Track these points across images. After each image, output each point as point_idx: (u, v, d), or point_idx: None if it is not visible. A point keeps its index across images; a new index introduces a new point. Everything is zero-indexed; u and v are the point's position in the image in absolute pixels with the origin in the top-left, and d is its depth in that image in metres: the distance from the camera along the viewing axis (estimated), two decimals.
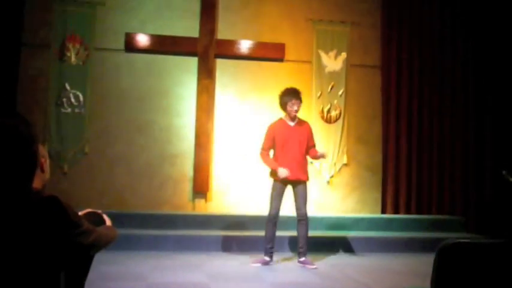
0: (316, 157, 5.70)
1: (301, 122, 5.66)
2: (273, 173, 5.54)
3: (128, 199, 7.43)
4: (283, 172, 5.36)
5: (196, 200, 7.65)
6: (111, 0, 7.64)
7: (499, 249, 2.99)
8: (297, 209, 5.53)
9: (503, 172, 7.26)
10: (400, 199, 7.95)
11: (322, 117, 7.92)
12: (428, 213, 7.88)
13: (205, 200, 7.66)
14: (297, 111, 5.56)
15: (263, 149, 5.63)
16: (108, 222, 2.59)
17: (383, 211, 7.96)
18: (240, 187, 7.75)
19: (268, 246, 5.53)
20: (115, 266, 5.08)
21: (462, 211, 7.85)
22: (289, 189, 5.58)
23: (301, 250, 5.54)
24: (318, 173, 7.87)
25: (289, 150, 5.49)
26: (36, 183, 2.27)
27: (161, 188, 7.58)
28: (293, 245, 6.24)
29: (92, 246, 2.34)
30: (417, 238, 6.78)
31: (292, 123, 5.60)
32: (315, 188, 7.79)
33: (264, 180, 7.72)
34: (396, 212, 7.91)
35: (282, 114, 5.74)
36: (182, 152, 7.67)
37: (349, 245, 6.40)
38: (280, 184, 5.49)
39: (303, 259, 5.51)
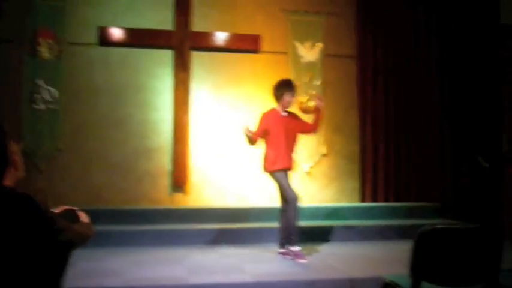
0: (318, 113, 5.68)
1: (289, 113, 5.72)
2: (271, 166, 5.48)
3: (105, 195, 7.34)
4: (247, 129, 5.34)
5: (175, 194, 7.61)
6: None
7: (473, 234, 3.04)
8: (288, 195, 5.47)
9: (479, 158, 7.39)
10: (379, 188, 8.02)
11: (301, 108, 7.90)
12: (407, 201, 7.96)
13: (184, 194, 7.62)
14: (291, 102, 5.64)
15: (254, 134, 5.51)
16: (85, 219, 2.55)
17: (362, 200, 8.02)
18: (219, 180, 7.74)
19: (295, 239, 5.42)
20: (93, 263, 5.03)
21: (439, 198, 7.95)
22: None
23: (291, 238, 5.45)
24: (297, 164, 7.87)
25: (283, 139, 5.51)
26: (9, 181, 2.23)
27: (139, 183, 7.51)
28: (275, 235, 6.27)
29: (68, 244, 2.31)
30: (395, 225, 6.84)
31: (284, 114, 5.65)
32: (294, 178, 7.80)
33: (242, 173, 7.76)
34: (375, 200, 7.98)
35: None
36: (159, 146, 7.62)
37: (328, 234, 6.44)
38: (283, 172, 5.49)
39: (292, 248, 5.42)
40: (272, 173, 5.52)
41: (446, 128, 8.12)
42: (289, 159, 5.55)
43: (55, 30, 7.34)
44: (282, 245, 5.55)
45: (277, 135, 5.51)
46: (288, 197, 5.43)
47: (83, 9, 7.51)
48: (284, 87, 5.62)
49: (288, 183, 5.49)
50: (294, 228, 5.42)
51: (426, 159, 8.10)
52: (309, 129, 5.73)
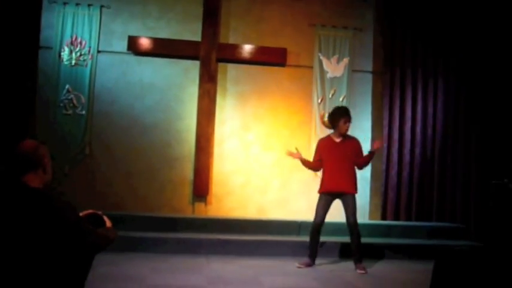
0: (370, 157, 5.89)
1: (349, 138, 5.87)
2: (320, 188, 5.80)
3: (127, 201, 7.44)
4: (295, 155, 5.87)
5: (196, 204, 7.66)
6: (115, 3, 7.68)
7: (495, 257, 3.00)
8: (347, 219, 5.70)
9: (505, 180, 7.27)
10: (401, 206, 7.94)
11: (323, 123, 7.93)
12: (429, 220, 7.87)
13: (205, 204, 7.67)
14: (346, 129, 5.79)
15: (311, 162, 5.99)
16: (108, 223, 2.61)
17: (383, 217, 7.96)
18: (240, 191, 7.77)
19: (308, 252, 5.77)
20: (114, 268, 5.08)
21: (462, 219, 7.84)
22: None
23: (355, 258, 5.69)
24: (318, 178, 7.86)
25: (334, 164, 5.73)
26: (37, 183, 2.29)
27: (161, 191, 7.59)
28: (293, 249, 6.28)
29: (92, 247, 2.35)
30: (417, 245, 6.76)
31: (338, 140, 5.81)
32: (315, 193, 7.78)
33: (264, 185, 7.78)
34: (396, 218, 7.90)
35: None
36: (182, 155, 7.69)
37: (348, 250, 6.38)
38: (325, 196, 5.73)
39: (360, 265, 5.63)
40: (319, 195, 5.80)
41: (472, 148, 8.01)
42: (339, 184, 5.69)
43: (86, 39, 7.51)
44: (358, 261, 5.70)
45: (330, 161, 5.75)
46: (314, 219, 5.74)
47: (115, 19, 7.67)
48: (339, 114, 5.79)
49: (321, 207, 5.71)
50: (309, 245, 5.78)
51: (451, 179, 8.00)
52: (356, 163, 5.84)
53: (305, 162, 5.92)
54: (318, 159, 5.87)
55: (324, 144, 5.87)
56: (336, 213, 7.64)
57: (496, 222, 7.37)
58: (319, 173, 6.04)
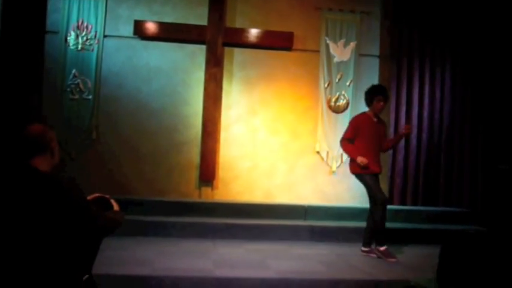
0: (397, 140, 6.00)
1: (380, 119, 5.82)
2: (361, 167, 5.53)
3: (134, 185, 7.47)
4: (363, 160, 5.44)
5: (203, 188, 7.68)
6: None
7: (501, 240, 2.99)
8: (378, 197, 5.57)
9: (501, 166, 7.25)
10: (408, 190, 7.94)
11: (330, 107, 7.91)
12: (435, 205, 7.87)
13: (212, 188, 7.69)
14: (382, 107, 5.70)
15: (344, 138, 5.71)
16: (116, 207, 2.62)
17: (390, 202, 7.94)
18: (246, 176, 7.78)
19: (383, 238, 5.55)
20: (122, 251, 5.12)
21: (469, 203, 7.83)
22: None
23: (379, 238, 5.58)
24: (324, 163, 7.88)
25: (373, 144, 5.63)
26: (45, 166, 2.30)
27: (168, 175, 7.61)
28: (300, 233, 6.31)
29: (100, 230, 2.37)
30: (423, 230, 6.77)
31: (375, 119, 5.73)
32: (321, 177, 7.81)
33: (270, 169, 7.79)
34: (403, 203, 7.90)
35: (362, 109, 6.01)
36: (189, 139, 7.69)
37: (355, 235, 6.40)
38: (372, 176, 5.57)
39: (380, 248, 5.55)
40: (361, 176, 5.60)
41: (480, 134, 7.97)
42: (378, 163, 5.64)
43: (92, 23, 7.49)
44: (367, 244, 5.66)
45: (367, 139, 5.60)
46: (376, 200, 5.52)
47: (121, 4, 7.64)
48: (375, 93, 5.69)
49: (378, 186, 5.58)
50: (381, 228, 5.52)
51: (457, 164, 7.98)
52: (383, 145, 5.79)
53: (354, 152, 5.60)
54: (351, 137, 5.63)
55: (362, 122, 5.68)
56: (349, 198, 7.68)
57: (502, 206, 7.36)
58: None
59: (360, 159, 5.45)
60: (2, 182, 2.19)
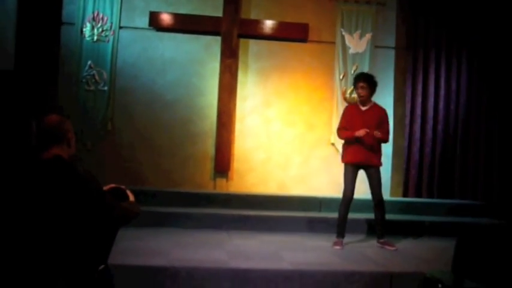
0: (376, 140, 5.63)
1: (375, 107, 5.62)
2: (343, 157, 5.61)
3: (149, 176, 7.51)
4: (360, 132, 5.35)
5: (218, 179, 7.70)
6: None
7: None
8: (372, 193, 5.59)
9: None
10: (423, 182, 7.90)
11: (345, 99, 7.86)
12: (451, 197, 7.81)
13: (227, 180, 7.71)
14: (360, 94, 5.55)
15: (339, 128, 5.69)
16: (131, 197, 2.63)
17: (405, 195, 7.91)
18: (261, 167, 7.78)
19: (337, 229, 5.61)
20: (138, 242, 5.16)
21: (485, 196, 7.77)
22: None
23: (379, 232, 5.66)
24: (339, 154, 7.83)
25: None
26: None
27: (183, 167, 7.64)
28: (314, 225, 6.31)
29: (117, 220, 2.39)
30: (439, 222, 6.73)
31: (363, 108, 5.60)
32: (336, 169, 7.74)
33: (285, 161, 7.78)
34: (418, 195, 7.86)
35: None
36: (204, 131, 7.71)
37: (370, 227, 6.38)
38: (351, 167, 5.54)
39: (382, 240, 5.63)
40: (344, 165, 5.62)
41: (495, 126, 7.89)
42: (364, 155, 5.48)
43: (108, 14, 7.51)
44: (381, 236, 5.69)
45: (354, 129, 5.47)
46: (343, 192, 5.56)
47: None
48: (354, 79, 5.69)
49: (349, 180, 5.53)
50: (338, 221, 5.64)
51: (473, 156, 7.91)
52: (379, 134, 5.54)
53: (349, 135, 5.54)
54: (344, 126, 5.61)
55: (349, 110, 5.68)
56: (364, 189, 7.65)
57: None
58: (340, 147, 5.89)
59: (358, 132, 5.36)
60: (19, 172, 2.21)
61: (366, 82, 5.52)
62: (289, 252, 5.17)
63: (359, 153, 5.49)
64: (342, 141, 5.76)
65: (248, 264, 4.62)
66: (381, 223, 5.66)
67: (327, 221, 6.44)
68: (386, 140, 5.65)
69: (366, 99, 5.58)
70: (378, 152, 5.59)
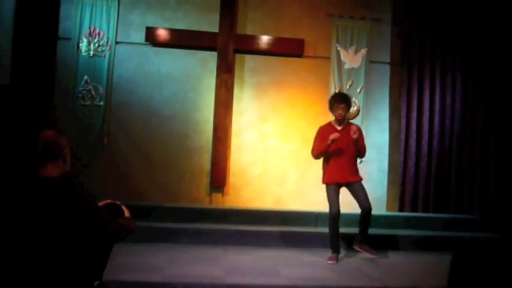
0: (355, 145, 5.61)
1: (350, 125, 5.67)
2: (324, 178, 5.67)
3: (145, 192, 7.49)
4: (334, 135, 5.39)
5: (214, 194, 7.69)
6: None
7: (508, 247, 2.97)
8: (361, 205, 5.59)
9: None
10: (419, 197, 7.90)
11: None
12: (446, 212, 7.81)
13: (222, 194, 7.70)
14: (341, 115, 5.63)
15: (313, 149, 5.72)
16: (127, 213, 2.63)
17: (401, 209, 7.91)
18: (257, 182, 7.78)
19: (331, 246, 5.64)
20: (133, 258, 5.13)
21: (480, 210, 7.77)
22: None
23: (362, 238, 5.70)
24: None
25: (337, 153, 5.57)
26: (57, 173, 2.32)
27: (179, 182, 7.63)
28: (311, 240, 6.29)
29: (112, 236, 2.38)
30: (435, 237, 6.73)
31: (339, 127, 5.67)
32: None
33: (281, 176, 7.78)
34: (414, 210, 7.86)
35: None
36: (200, 146, 7.71)
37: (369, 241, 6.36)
38: (333, 186, 5.59)
39: (365, 246, 5.70)
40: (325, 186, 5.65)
41: (491, 140, 7.93)
42: (344, 174, 5.56)
43: (104, 30, 7.54)
44: (363, 242, 5.75)
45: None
46: (329, 211, 5.57)
47: (133, 11, 7.70)
48: (333, 100, 5.72)
49: (333, 198, 5.54)
50: (330, 236, 5.66)
51: (468, 170, 7.93)
52: (357, 150, 5.65)
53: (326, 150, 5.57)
54: (319, 145, 5.63)
55: (324, 131, 5.67)
56: (355, 203, 7.63)
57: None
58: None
59: (332, 136, 5.39)
60: (15, 189, 2.21)
61: (345, 103, 5.66)
62: (286, 267, 5.16)
63: (339, 173, 5.56)
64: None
65: (245, 280, 4.60)
66: (367, 229, 5.67)
67: (324, 235, 6.42)
68: (364, 150, 5.72)
69: (343, 119, 5.69)
70: (355, 170, 5.68)
